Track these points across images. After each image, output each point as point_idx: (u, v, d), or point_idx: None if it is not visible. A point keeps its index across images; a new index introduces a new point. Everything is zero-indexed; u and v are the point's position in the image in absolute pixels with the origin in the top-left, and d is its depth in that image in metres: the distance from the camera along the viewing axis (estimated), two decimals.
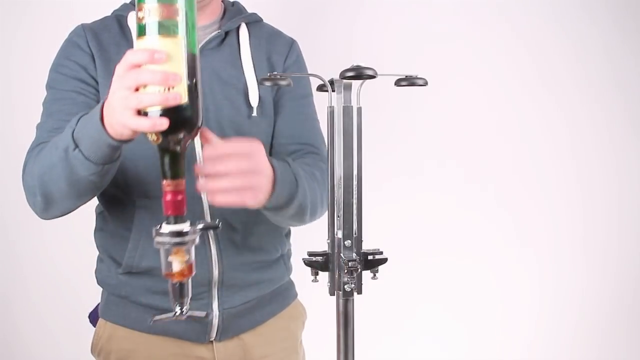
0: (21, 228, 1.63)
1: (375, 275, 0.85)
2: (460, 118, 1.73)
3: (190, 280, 0.77)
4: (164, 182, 0.74)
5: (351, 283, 0.82)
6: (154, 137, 0.72)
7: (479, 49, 1.72)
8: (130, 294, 1.08)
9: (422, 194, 1.74)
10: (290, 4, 1.63)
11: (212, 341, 1.11)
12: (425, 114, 1.72)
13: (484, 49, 1.72)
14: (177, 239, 0.73)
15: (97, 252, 1.15)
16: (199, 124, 0.73)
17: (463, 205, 1.76)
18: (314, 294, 1.07)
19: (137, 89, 0.70)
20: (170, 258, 0.75)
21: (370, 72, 0.76)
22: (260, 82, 0.87)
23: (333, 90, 0.83)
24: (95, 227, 1.15)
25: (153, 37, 0.69)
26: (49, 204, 0.94)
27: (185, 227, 0.74)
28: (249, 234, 1.11)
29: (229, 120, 1.07)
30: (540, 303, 1.83)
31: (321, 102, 1.20)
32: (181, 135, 0.72)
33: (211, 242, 1.07)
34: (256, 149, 0.87)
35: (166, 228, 0.74)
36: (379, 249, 0.84)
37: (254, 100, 1.09)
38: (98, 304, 1.17)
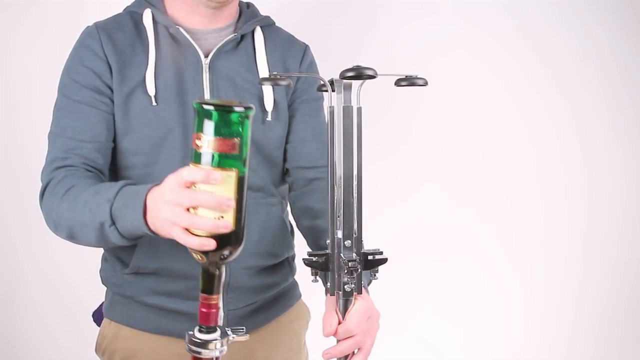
0: (22, 228, 1.63)
1: (375, 275, 0.85)
2: (461, 118, 1.73)
3: None
4: (201, 294, 0.77)
5: (351, 283, 0.82)
6: (199, 257, 0.74)
7: (479, 49, 1.71)
8: (135, 294, 1.08)
9: (422, 194, 1.74)
10: (291, 5, 1.63)
11: None
12: (426, 114, 1.71)
13: (484, 49, 1.72)
14: (206, 351, 0.76)
15: (98, 252, 1.14)
16: (242, 244, 0.75)
17: (463, 205, 1.76)
18: (317, 294, 1.07)
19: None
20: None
21: (370, 72, 0.76)
22: (260, 82, 0.87)
23: (333, 90, 0.83)
24: None
25: (208, 168, 0.70)
26: (72, 241, 0.98)
27: (215, 336, 0.77)
28: (259, 240, 1.11)
29: None
30: (541, 303, 1.83)
31: None
32: (225, 254, 0.74)
33: None
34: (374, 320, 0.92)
35: (198, 335, 0.77)
36: (379, 249, 0.84)
37: (268, 104, 1.09)
38: (101, 304, 1.17)
